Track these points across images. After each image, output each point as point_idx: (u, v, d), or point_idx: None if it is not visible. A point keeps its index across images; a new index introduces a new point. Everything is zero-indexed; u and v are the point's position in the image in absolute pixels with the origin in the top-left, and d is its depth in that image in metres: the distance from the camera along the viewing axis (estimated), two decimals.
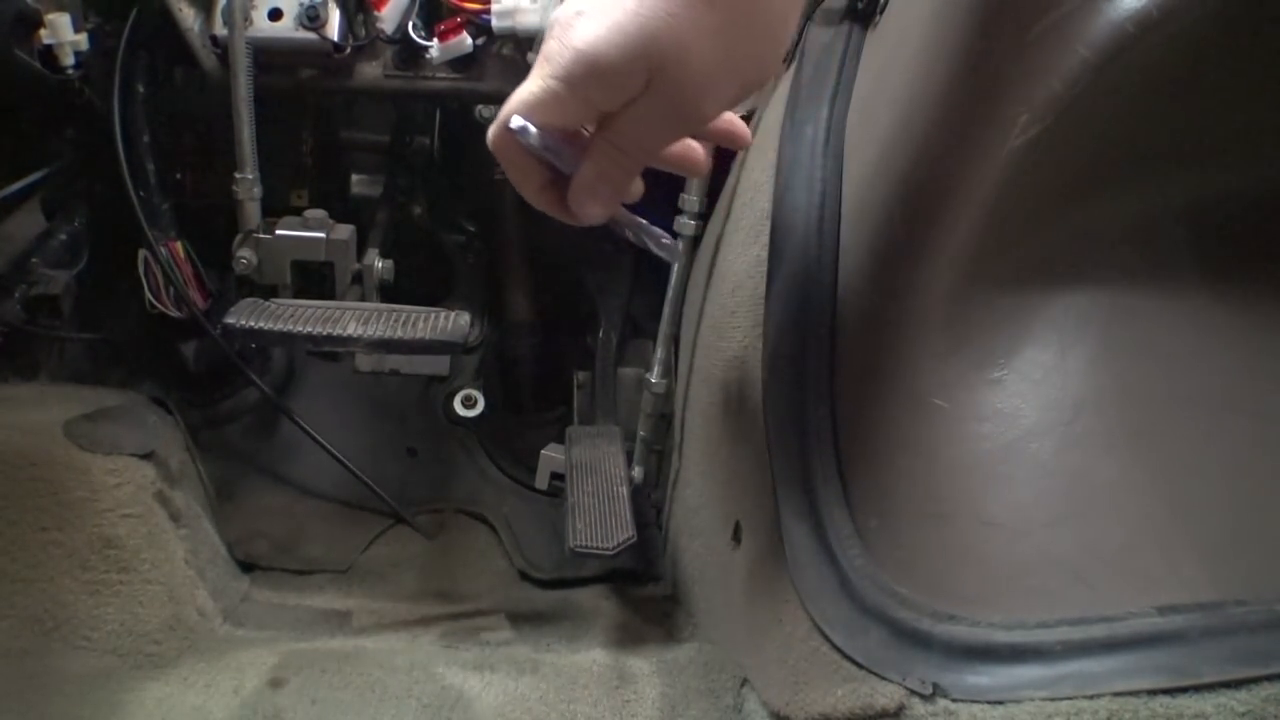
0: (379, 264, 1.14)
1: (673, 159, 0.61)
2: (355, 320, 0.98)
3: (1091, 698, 0.47)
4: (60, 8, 0.99)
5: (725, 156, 0.97)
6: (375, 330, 0.97)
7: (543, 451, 1.18)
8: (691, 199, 0.99)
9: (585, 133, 0.54)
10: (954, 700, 0.51)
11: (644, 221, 0.66)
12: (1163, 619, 0.48)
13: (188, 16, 1.02)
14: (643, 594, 1.10)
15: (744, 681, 0.77)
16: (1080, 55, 0.51)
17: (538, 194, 0.56)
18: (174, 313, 1.12)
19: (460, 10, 1.00)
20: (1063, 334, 0.56)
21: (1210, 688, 0.45)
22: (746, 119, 0.96)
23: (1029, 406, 0.55)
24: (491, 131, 0.53)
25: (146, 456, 0.95)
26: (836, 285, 0.71)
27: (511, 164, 0.54)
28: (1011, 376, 0.56)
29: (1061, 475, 0.54)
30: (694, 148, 0.62)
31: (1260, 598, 0.47)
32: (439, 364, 1.21)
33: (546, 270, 1.35)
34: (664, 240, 0.67)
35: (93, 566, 0.88)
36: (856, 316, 0.69)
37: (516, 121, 0.51)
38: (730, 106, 0.55)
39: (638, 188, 0.60)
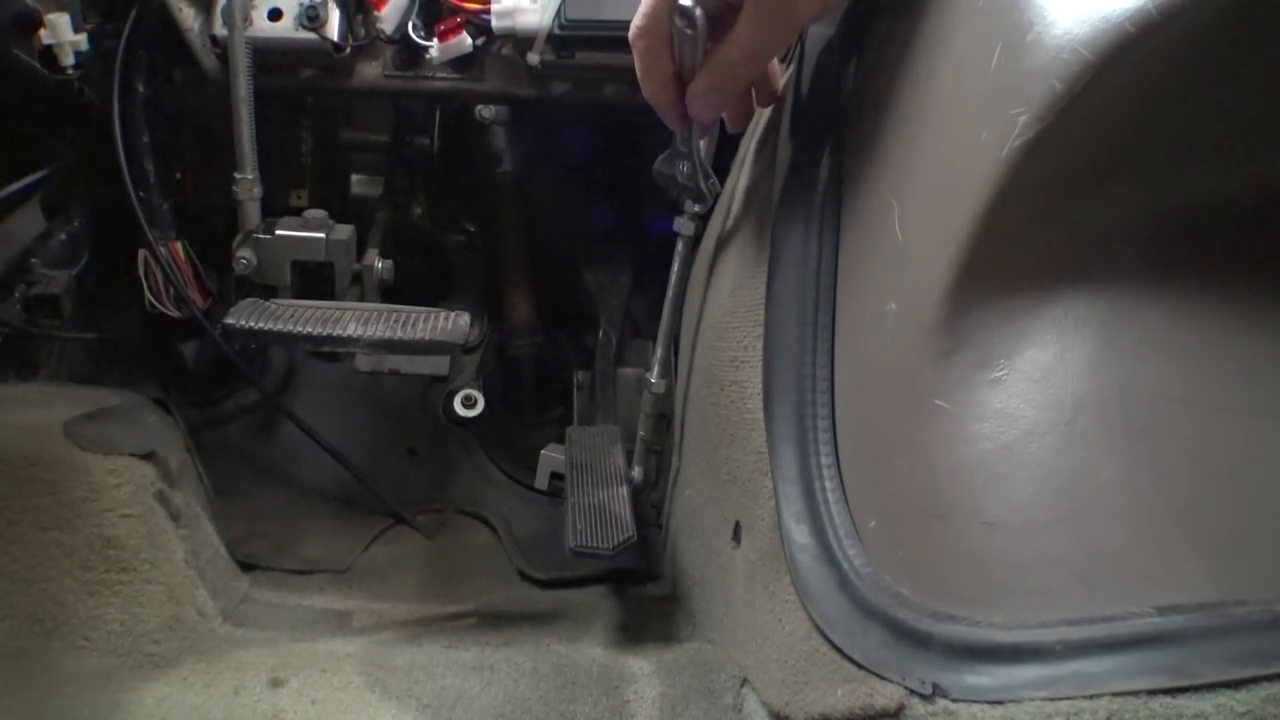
0: (379, 264, 1.14)
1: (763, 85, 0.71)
2: (355, 321, 0.98)
3: (1091, 698, 0.47)
4: (60, 8, 0.99)
5: (725, 156, 0.97)
6: (375, 331, 0.97)
7: (543, 451, 1.18)
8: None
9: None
10: (954, 700, 0.51)
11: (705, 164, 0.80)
12: (1163, 619, 0.48)
13: (188, 16, 1.02)
14: (643, 594, 1.10)
15: (744, 681, 0.77)
16: (1080, 55, 0.51)
17: (660, 88, 0.65)
18: (174, 313, 1.11)
19: (460, 10, 1.00)
20: (1063, 334, 0.56)
21: (1210, 688, 0.45)
22: None
23: (1029, 406, 0.55)
24: (648, 10, 0.61)
25: (146, 456, 0.94)
26: (836, 285, 0.71)
27: (650, 53, 0.63)
28: (1011, 376, 0.56)
29: (1061, 475, 0.54)
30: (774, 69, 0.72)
31: (1260, 598, 0.47)
32: (439, 364, 1.21)
33: (546, 270, 1.35)
34: (708, 181, 0.82)
35: (93, 566, 0.88)
36: (856, 316, 0.69)
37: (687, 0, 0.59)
38: (823, 10, 0.63)
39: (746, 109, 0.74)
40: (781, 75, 0.82)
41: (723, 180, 0.98)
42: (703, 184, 0.82)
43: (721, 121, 0.83)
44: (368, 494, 1.23)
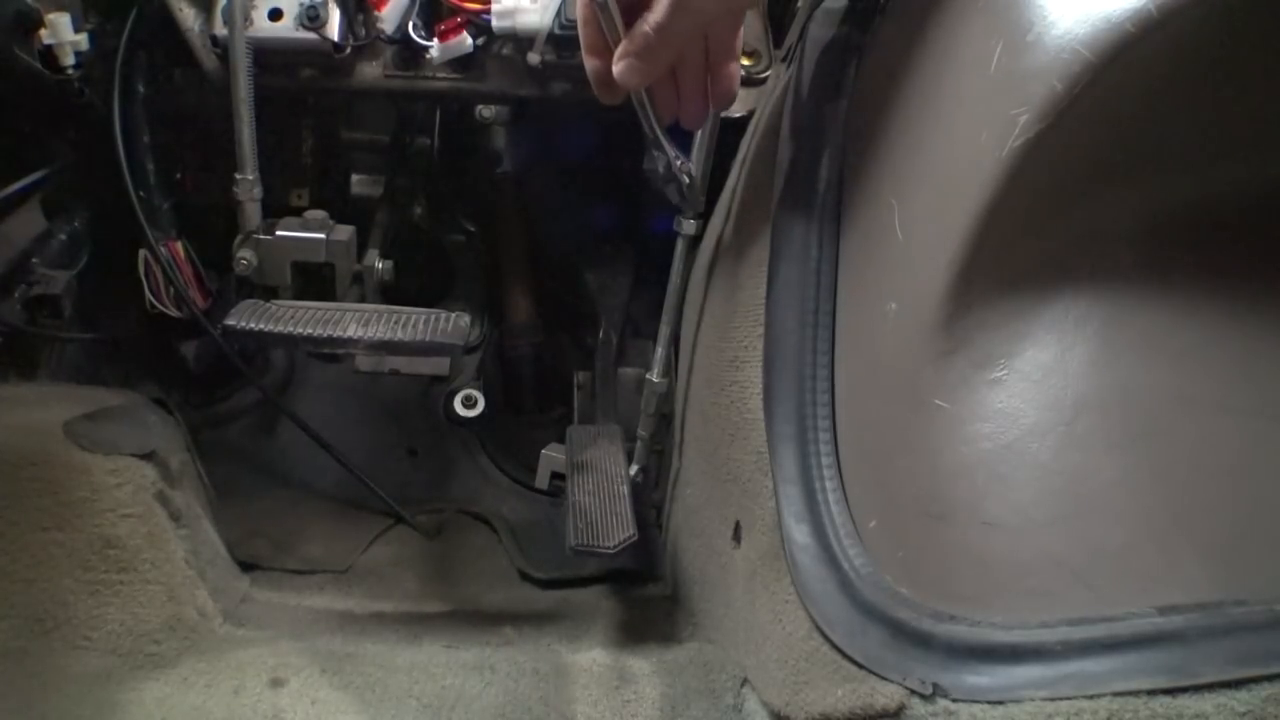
0: (379, 264, 1.14)
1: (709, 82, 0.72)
2: (355, 321, 0.98)
3: (1092, 698, 0.47)
4: (60, 8, 0.99)
5: (725, 156, 0.97)
6: (375, 331, 0.97)
7: (543, 451, 1.18)
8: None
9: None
10: (954, 700, 0.51)
11: (670, 146, 0.78)
12: (1163, 619, 0.48)
13: (188, 16, 1.02)
14: (643, 594, 1.10)
15: (744, 681, 0.77)
16: (1080, 55, 0.51)
17: (588, 58, 0.69)
18: (174, 313, 1.11)
19: (460, 10, 1.00)
20: (1063, 334, 0.56)
21: (1210, 688, 0.45)
22: (746, 119, 0.96)
23: (1029, 406, 0.55)
24: None
25: (146, 456, 0.94)
26: (836, 285, 0.71)
27: (586, 25, 0.68)
28: (1011, 377, 0.56)
29: (1061, 475, 0.54)
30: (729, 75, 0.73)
31: (1260, 598, 0.48)
32: (439, 364, 1.21)
33: (546, 270, 1.35)
34: (679, 163, 0.81)
35: (93, 566, 0.88)
36: (857, 316, 0.69)
37: None
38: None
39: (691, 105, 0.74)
40: (773, 79, 0.82)
41: (722, 180, 0.98)
42: (675, 168, 0.82)
43: (722, 123, 0.83)
44: (368, 494, 1.23)
